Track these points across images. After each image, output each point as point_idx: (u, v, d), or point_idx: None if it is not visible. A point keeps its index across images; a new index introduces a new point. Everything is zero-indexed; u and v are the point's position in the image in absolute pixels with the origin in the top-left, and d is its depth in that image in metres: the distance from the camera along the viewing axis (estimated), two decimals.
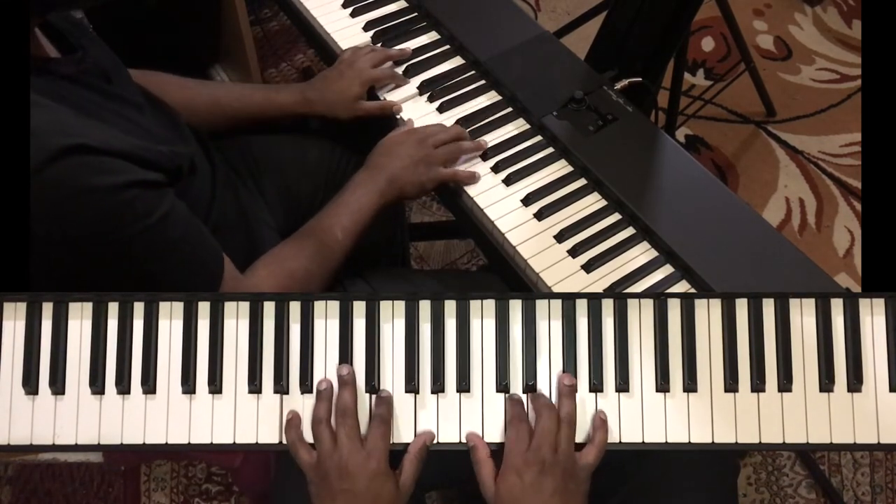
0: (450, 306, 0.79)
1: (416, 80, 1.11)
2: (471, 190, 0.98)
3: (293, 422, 0.77)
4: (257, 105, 1.12)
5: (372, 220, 0.98)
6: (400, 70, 1.13)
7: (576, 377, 0.78)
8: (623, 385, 0.77)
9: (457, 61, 1.14)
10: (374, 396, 0.78)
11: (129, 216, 0.73)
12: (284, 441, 0.77)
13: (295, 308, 0.79)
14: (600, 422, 0.76)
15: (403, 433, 0.78)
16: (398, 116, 1.09)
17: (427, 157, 0.99)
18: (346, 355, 0.78)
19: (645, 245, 0.93)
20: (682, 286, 0.89)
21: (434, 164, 0.99)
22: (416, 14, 1.20)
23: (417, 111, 1.09)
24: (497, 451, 0.77)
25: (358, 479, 0.72)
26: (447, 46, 1.15)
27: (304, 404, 0.78)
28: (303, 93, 1.12)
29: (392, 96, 1.11)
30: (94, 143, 0.70)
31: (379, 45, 1.16)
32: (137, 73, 0.93)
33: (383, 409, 0.76)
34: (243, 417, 0.78)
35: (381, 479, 0.73)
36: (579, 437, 0.77)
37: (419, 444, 0.76)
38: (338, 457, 0.73)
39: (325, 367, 0.78)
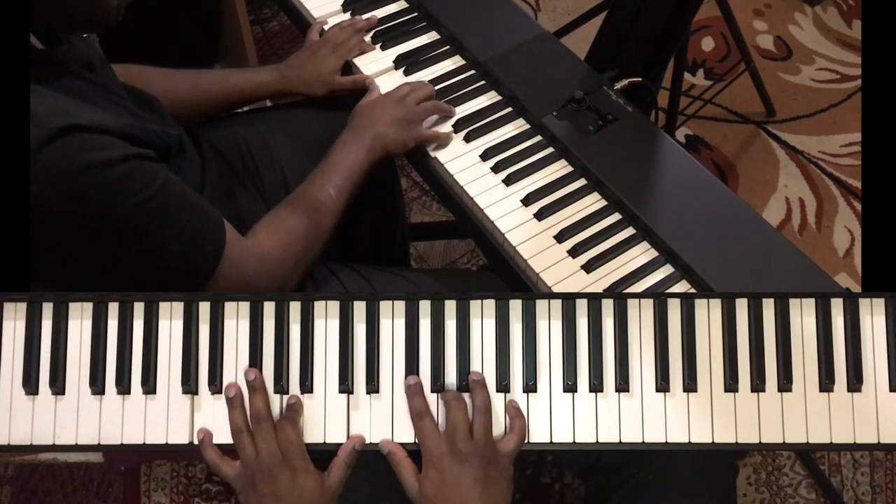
0: (450, 306, 0.79)
1: (416, 80, 1.11)
2: (470, 189, 0.98)
3: (206, 441, 0.77)
4: (235, 86, 1.15)
5: (362, 178, 1.00)
6: (400, 71, 1.13)
7: (576, 377, 0.78)
8: (623, 385, 0.77)
9: (457, 61, 1.14)
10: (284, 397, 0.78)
11: (130, 187, 0.74)
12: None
13: (295, 308, 0.79)
14: (514, 410, 0.77)
15: (404, 432, 0.78)
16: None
17: (408, 114, 1.02)
18: (346, 355, 0.78)
19: (645, 245, 0.92)
20: (682, 286, 0.89)
21: (415, 122, 1.02)
22: (416, 14, 1.20)
23: None
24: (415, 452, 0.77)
25: (280, 481, 0.73)
26: (447, 46, 1.15)
27: (303, 404, 0.78)
28: (279, 71, 1.14)
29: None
30: (89, 122, 0.72)
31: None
32: (118, 67, 0.95)
33: (291, 413, 0.77)
34: None
35: (302, 478, 0.74)
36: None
37: (348, 448, 0.77)
38: (260, 462, 0.74)
39: (326, 367, 0.79)
